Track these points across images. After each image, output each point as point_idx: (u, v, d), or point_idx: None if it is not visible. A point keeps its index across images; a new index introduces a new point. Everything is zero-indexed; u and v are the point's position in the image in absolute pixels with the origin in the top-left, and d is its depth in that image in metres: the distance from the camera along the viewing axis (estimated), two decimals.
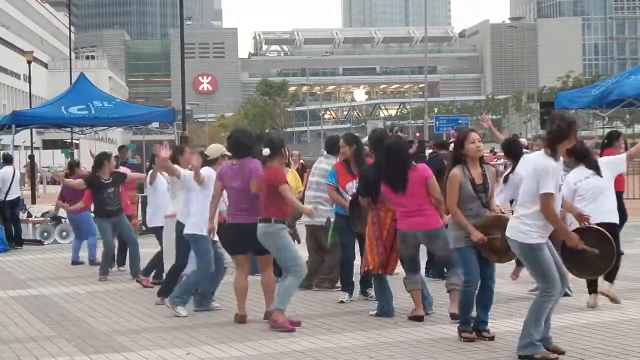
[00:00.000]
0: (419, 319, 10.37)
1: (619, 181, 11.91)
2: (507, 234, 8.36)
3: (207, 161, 11.54)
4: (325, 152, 13.25)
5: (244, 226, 10.46)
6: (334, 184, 11.95)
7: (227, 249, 11.05)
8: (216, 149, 11.86)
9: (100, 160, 15.25)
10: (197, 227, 11.10)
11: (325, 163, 12.88)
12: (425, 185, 10.30)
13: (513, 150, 11.37)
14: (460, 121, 50.29)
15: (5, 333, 10.44)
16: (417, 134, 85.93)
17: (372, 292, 11.87)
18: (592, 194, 10.71)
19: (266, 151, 10.31)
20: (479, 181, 9.24)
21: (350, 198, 11.63)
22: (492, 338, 9.20)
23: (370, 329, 10.11)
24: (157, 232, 13.47)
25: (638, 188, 29.07)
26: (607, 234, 9.07)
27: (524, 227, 8.17)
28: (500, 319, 10.23)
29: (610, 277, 10.94)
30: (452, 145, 13.90)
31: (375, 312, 10.88)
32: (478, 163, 9.34)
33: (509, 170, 11.26)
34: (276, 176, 10.28)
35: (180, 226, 11.70)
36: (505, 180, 11.01)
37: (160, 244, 13.50)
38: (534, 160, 8.23)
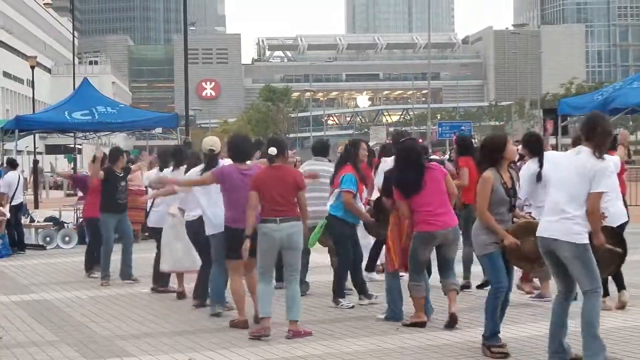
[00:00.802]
0: (422, 325, 10.34)
1: (621, 183, 11.96)
2: (553, 235, 8.07)
3: (214, 155, 11.47)
4: (314, 155, 13.14)
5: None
6: (354, 191, 11.78)
7: (228, 253, 10.63)
8: (218, 141, 11.79)
9: (116, 155, 15.58)
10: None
11: (318, 165, 12.80)
12: (444, 182, 10.34)
13: (533, 144, 11.50)
14: (462, 127, 50.28)
15: (8, 338, 10.44)
16: (421, 140, 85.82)
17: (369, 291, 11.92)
18: (617, 193, 10.93)
19: (272, 150, 10.21)
20: (510, 185, 9.11)
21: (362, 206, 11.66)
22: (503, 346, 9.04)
23: (372, 334, 10.10)
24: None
25: None
26: (621, 233, 9.04)
27: (577, 228, 7.99)
28: (503, 326, 10.19)
29: (621, 283, 11.06)
30: (431, 152, 13.78)
31: (385, 315, 10.86)
32: (507, 167, 9.26)
33: (537, 167, 11.30)
34: (302, 180, 10.34)
35: (196, 225, 11.75)
36: (539, 178, 11.04)
37: (159, 246, 13.55)
38: (587, 161, 8.01)
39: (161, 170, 14.01)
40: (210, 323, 11.06)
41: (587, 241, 8.01)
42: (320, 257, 14.53)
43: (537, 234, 8.29)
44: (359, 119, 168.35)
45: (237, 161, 10.68)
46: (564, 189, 8.11)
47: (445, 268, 10.49)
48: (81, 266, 16.57)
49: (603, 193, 8.05)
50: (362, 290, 12.10)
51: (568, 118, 26.10)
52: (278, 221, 10.05)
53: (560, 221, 8.06)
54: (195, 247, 12.16)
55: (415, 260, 10.34)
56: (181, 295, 13.02)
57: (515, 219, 9.15)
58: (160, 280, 13.77)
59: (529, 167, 11.46)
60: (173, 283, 13.59)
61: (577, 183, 8.02)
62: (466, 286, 12.77)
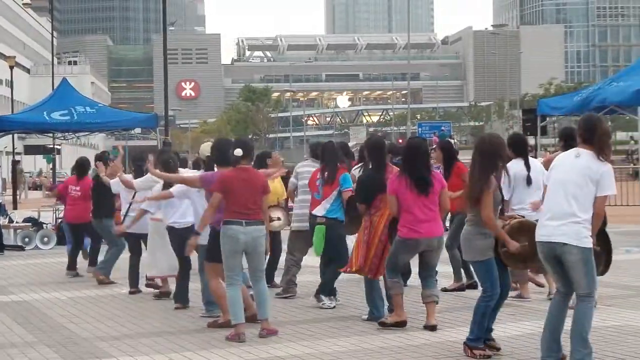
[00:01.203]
0: (402, 324, 10.31)
1: None
2: (561, 240, 7.95)
3: (211, 162, 11.45)
4: (311, 157, 13.12)
5: None
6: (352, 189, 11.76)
7: (214, 256, 10.39)
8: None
9: (106, 161, 15.54)
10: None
11: (314, 167, 12.71)
12: (438, 194, 10.15)
13: (518, 145, 11.50)
14: (443, 128, 50.38)
15: None
16: (400, 141, 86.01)
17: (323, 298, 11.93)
18: None
19: (238, 151, 10.12)
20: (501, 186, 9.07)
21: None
22: (498, 349, 9.00)
23: (352, 335, 10.10)
24: (144, 238, 13.49)
25: (625, 195, 29.16)
26: (608, 236, 9.04)
27: (585, 232, 7.92)
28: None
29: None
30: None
31: (367, 316, 10.86)
32: None
33: (522, 168, 11.31)
34: (268, 184, 10.39)
35: (178, 231, 11.86)
36: (529, 181, 11.00)
37: (132, 249, 13.65)
38: (591, 164, 7.95)
39: (136, 177, 13.92)
40: (190, 324, 11.04)
41: (591, 245, 7.98)
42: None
43: (539, 239, 8.15)
44: (338, 119, 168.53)
45: (221, 165, 10.66)
46: (569, 192, 7.99)
47: (427, 275, 10.36)
48: (61, 267, 16.53)
49: (609, 196, 8.01)
50: (333, 292, 12.10)
51: (547, 118, 26.18)
52: (244, 224, 9.99)
53: (569, 225, 7.95)
54: (177, 254, 12.11)
55: (395, 264, 10.27)
56: (164, 294, 12.98)
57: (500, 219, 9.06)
58: (136, 281, 13.81)
59: (512, 167, 11.47)
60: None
61: (584, 186, 7.94)
62: (471, 285, 12.77)
